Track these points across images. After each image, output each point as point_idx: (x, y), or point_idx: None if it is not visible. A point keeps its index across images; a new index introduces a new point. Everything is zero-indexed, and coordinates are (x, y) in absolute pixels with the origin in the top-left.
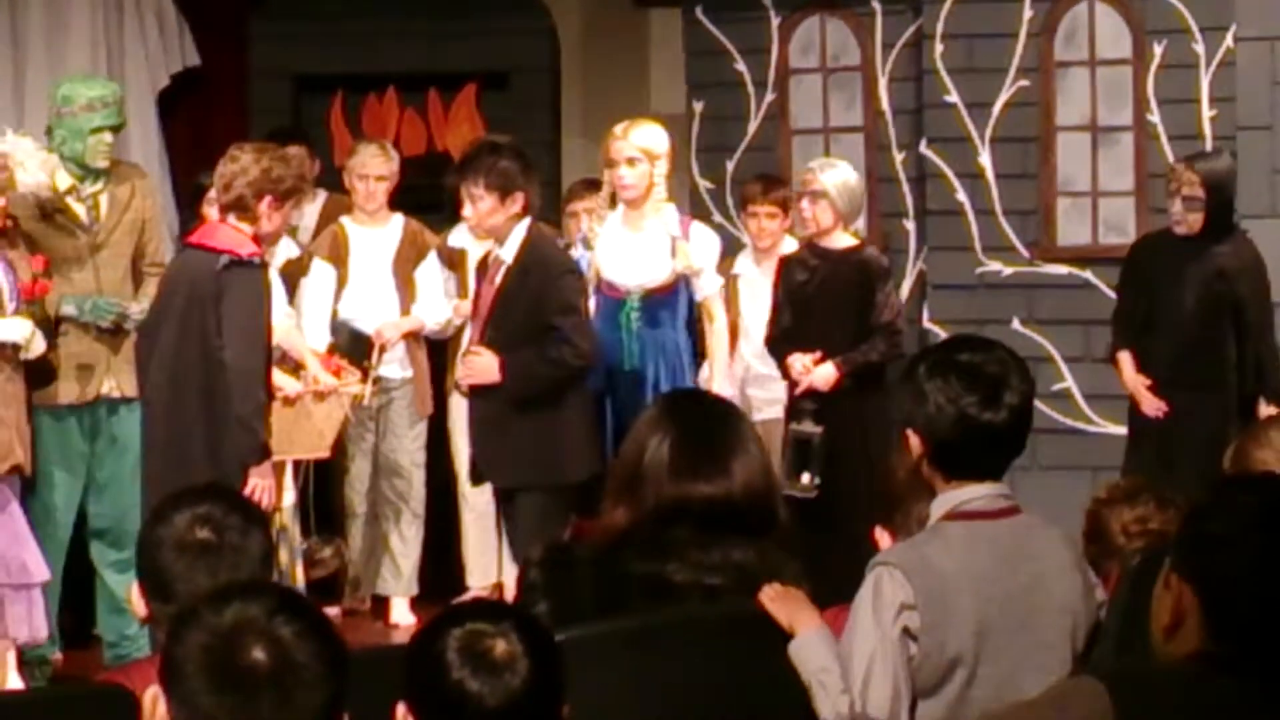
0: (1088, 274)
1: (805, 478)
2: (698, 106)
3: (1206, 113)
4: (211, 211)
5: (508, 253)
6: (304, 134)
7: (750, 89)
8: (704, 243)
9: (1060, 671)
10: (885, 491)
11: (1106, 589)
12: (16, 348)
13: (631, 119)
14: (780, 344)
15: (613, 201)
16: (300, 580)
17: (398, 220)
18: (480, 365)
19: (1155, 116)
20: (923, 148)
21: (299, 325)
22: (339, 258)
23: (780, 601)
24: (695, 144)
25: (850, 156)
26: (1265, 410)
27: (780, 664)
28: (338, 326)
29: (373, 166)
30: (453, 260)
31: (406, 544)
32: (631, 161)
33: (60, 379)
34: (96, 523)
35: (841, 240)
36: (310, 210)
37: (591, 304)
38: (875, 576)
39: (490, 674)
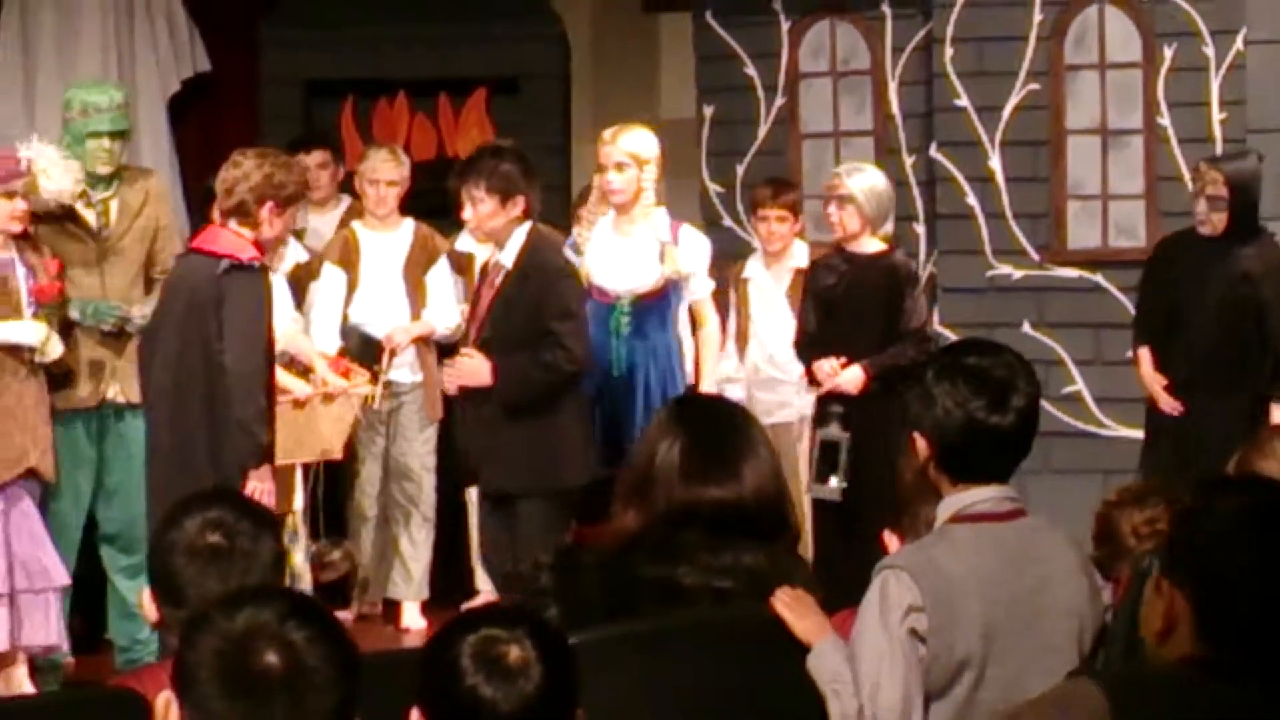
0: (1098, 277)
1: (833, 481)
2: (708, 111)
3: (1217, 115)
4: None
5: (507, 257)
6: (328, 139)
7: (760, 93)
8: (694, 246)
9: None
10: (896, 494)
11: (1117, 591)
12: (33, 350)
13: (621, 124)
14: (807, 348)
15: (602, 206)
16: (308, 584)
17: (408, 225)
18: (470, 367)
19: (1165, 119)
20: (933, 151)
21: (307, 329)
22: (349, 262)
23: (792, 609)
24: (705, 148)
25: (860, 160)
26: (1275, 416)
27: (790, 668)
28: (348, 331)
29: (383, 171)
30: (462, 265)
31: (417, 548)
32: (620, 166)
33: (63, 385)
34: (106, 528)
35: (870, 245)
36: (333, 216)
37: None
38: (882, 579)
39: (504, 680)
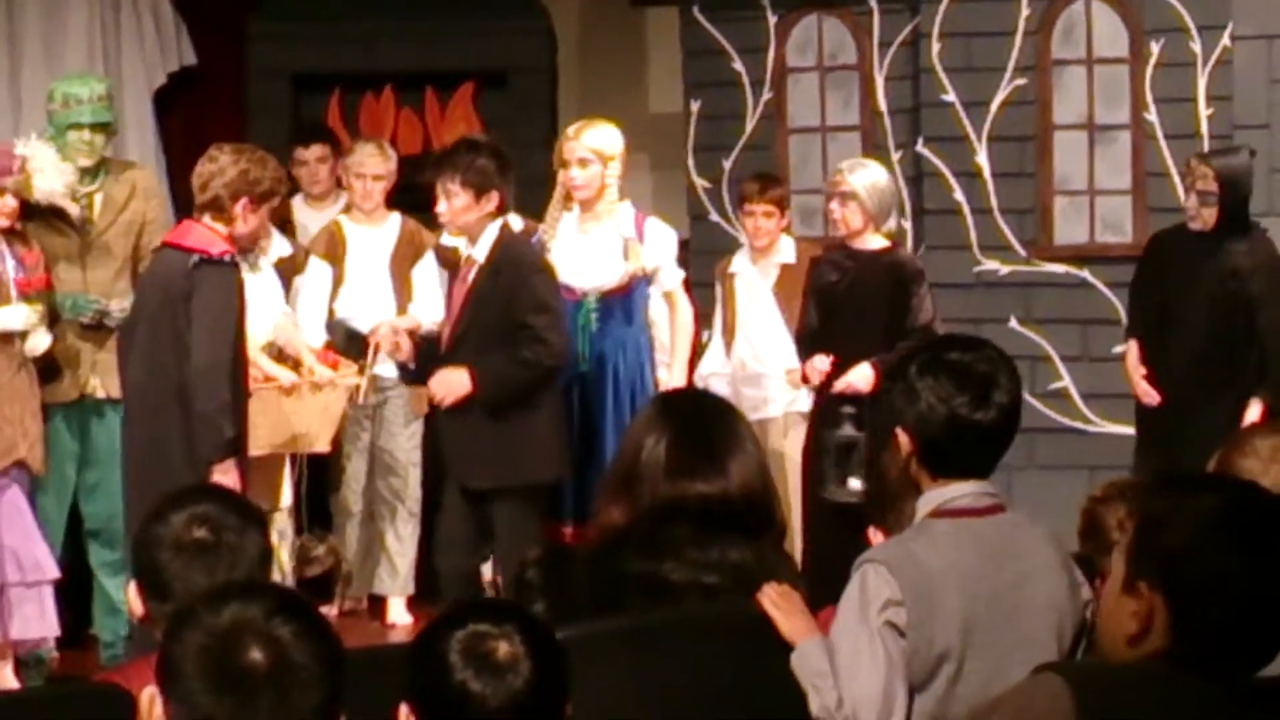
0: (1085, 273)
1: (853, 483)
2: (695, 105)
3: (1204, 111)
4: None
5: (480, 251)
6: (328, 134)
7: (747, 88)
8: (659, 239)
9: None
10: (877, 491)
11: (1101, 588)
12: (22, 338)
13: (586, 119)
14: (807, 345)
15: (567, 203)
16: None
17: (395, 219)
18: (452, 382)
19: (1152, 115)
20: (920, 147)
21: (296, 323)
22: (336, 256)
23: (778, 607)
24: (692, 143)
25: (847, 155)
26: (1251, 412)
27: (776, 664)
28: (333, 325)
29: (370, 165)
30: (448, 259)
31: (403, 543)
32: (583, 162)
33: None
34: (90, 523)
35: (873, 242)
36: (331, 210)
37: None
38: (861, 573)
39: (493, 675)
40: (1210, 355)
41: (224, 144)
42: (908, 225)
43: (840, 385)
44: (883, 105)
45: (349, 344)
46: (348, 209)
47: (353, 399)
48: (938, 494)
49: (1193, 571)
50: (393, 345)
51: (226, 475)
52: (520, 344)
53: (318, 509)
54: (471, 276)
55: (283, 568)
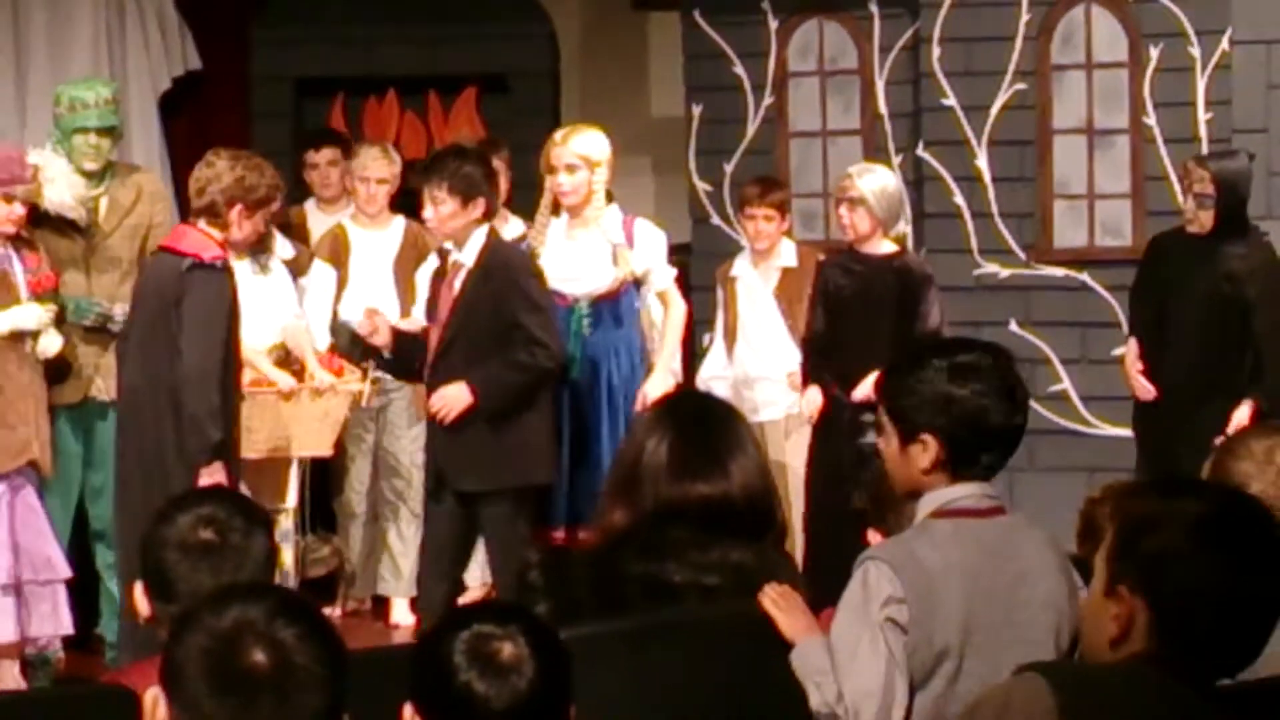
0: (1084, 276)
1: None
2: (696, 109)
3: (1202, 116)
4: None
5: (468, 256)
6: (340, 138)
7: (749, 92)
8: (648, 241)
9: None
10: (877, 493)
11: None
12: (34, 337)
13: (573, 125)
14: (815, 352)
15: (555, 209)
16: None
17: (399, 223)
18: (452, 397)
19: (1151, 119)
20: (920, 150)
21: (308, 327)
22: (340, 259)
23: (779, 607)
24: (694, 146)
25: (848, 159)
26: (1238, 416)
27: (777, 665)
28: (338, 328)
29: (374, 169)
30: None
31: (406, 544)
32: (570, 168)
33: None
34: (96, 525)
35: (881, 246)
36: (343, 214)
37: None
38: (863, 571)
39: (497, 676)
40: (1206, 358)
41: (222, 149)
42: (908, 229)
43: (860, 394)
44: (883, 109)
45: (352, 347)
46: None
47: (356, 402)
48: (940, 495)
49: (1174, 577)
50: (371, 329)
51: (214, 478)
52: (515, 346)
53: (321, 510)
54: (460, 281)
55: (283, 567)
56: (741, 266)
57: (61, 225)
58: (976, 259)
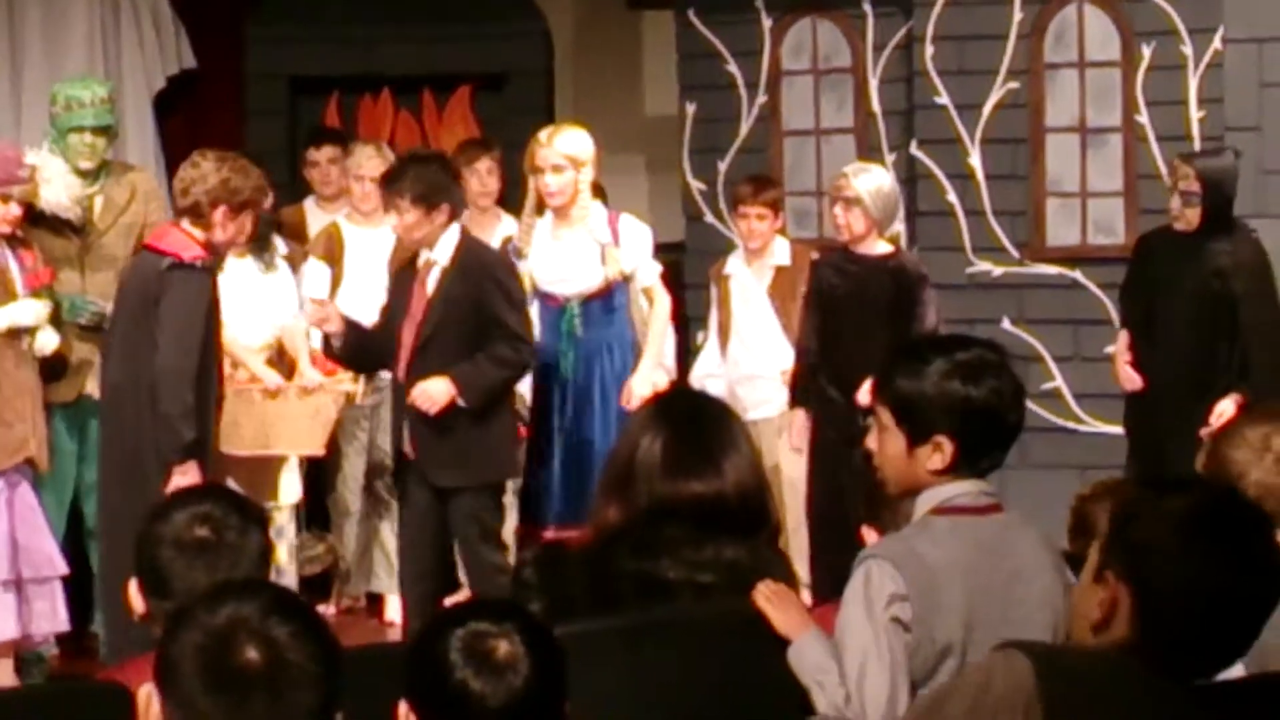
0: (1077, 274)
1: None
2: (690, 108)
3: (1195, 114)
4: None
5: (441, 255)
6: (340, 136)
7: (742, 90)
8: (635, 238)
9: None
10: (872, 491)
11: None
12: (31, 334)
13: (556, 125)
14: (803, 368)
15: (539, 209)
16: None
17: (393, 221)
18: (435, 392)
19: (1144, 118)
20: (913, 149)
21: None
22: (334, 257)
23: (774, 604)
24: (688, 145)
25: (841, 158)
26: (1222, 408)
27: (772, 662)
28: None
29: (368, 167)
30: None
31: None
32: (557, 169)
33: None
34: (90, 522)
35: (876, 247)
36: (343, 213)
37: (532, 312)
38: (865, 569)
39: (492, 674)
40: (1196, 355)
41: (209, 150)
42: (901, 227)
43: (865, 398)
44: (876, 108)
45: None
46: None
47: (350, 400)
48: (938, 492)
49: (1158, 566)
50: (322, 316)
51: (187, 477)
52: (496, 342)
53: (316, 508)
54: (435, 280)
55: (279, 566)
56: (735, 265)
57: (57, 224)
58: (969, 257)
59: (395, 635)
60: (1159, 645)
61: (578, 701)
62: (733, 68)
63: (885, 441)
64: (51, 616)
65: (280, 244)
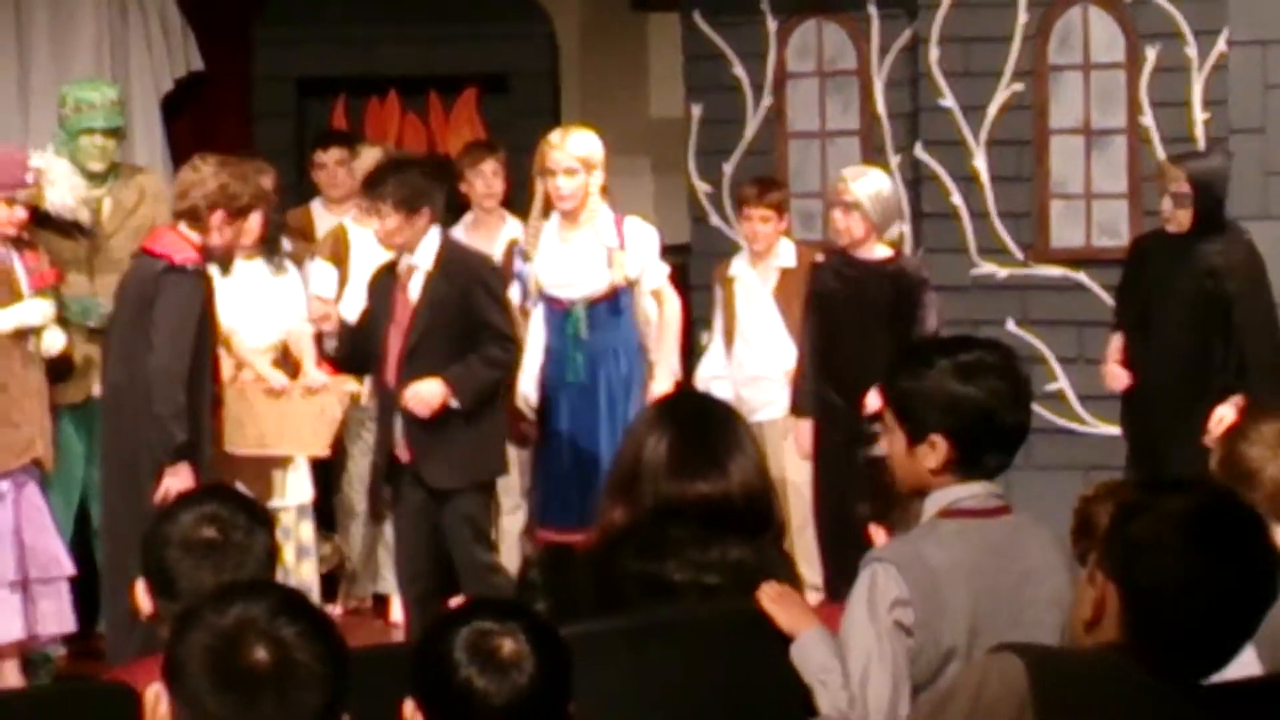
0: (1081, 275)
1: None
2: (695, 110)
3: (1199, 116)
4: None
5: (424, 259)
6: (347, 137)
7: (748, 92)
8: (641, 240)
9: None
10: (883, 491)
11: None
12: (36, 333)
13: (564, 127)
14: (805, 377)
15: (545, 212)
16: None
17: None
18: (427, 394)
19: (1148, 119)
20: (918, 150)
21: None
22: (340, 258)
23: (778, 602)
24: (693, 147)
25: (847, 160)
26: (1220, 414)
27: (777, 662)
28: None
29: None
30: None
31: None
32: (570, 171)
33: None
34: (97, 522)
35: (876, 251)
36: (352, 215)
37: (538, 315)
38: (870, 573)
39: (497, 673)
40: (1192, 355)
41: (210, 155)
42: (906, 229)
43: (872, 406)
44: (881, 110)
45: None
46: None
47: (355, 401)
48: (946, 494)
49: (1147, 566)
50: (321, 315)
51: (178, 478)
52: (486, 344)
53: (322, 509)
54: (420, 285)
55: (287, 566)
56: (740, 267)
57: (65, 227)
58: (974, 259)
59: (401, 636)
60: (1146, 644)
61: (582, 702)
62: (738, 70)
63: (891, 441)
64: (58, 617)
65: (285, 242)
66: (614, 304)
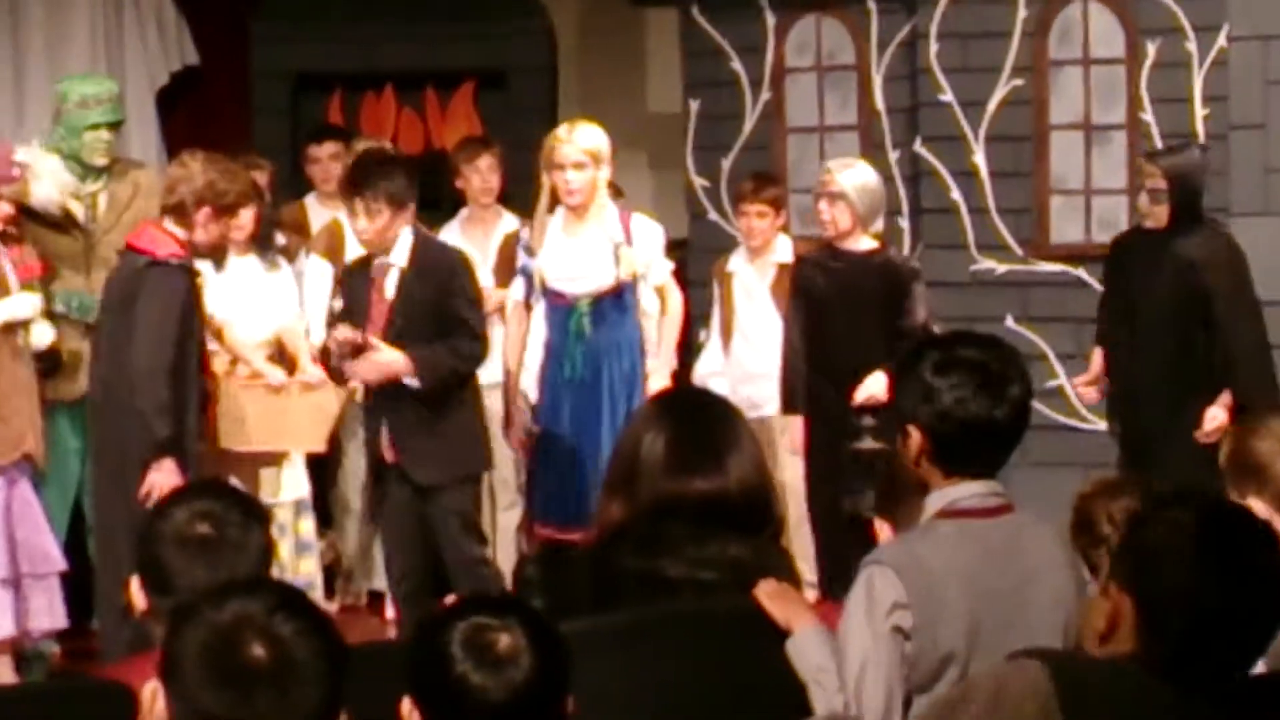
0: (1081, 272)
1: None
2: (694, 105)
3: (1199, 111)
4: None
5: (398, 257)
6: (341, 132)
7: (746, 88)
8: (647, 237)
9: None
10: (892, 484)
11: (1099, 581)
12: (25, 327)
13: (571, 121)
14: (790, 372)
15: (552, 206)
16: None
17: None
18: (389, 360)
19: (1148, 115)
20: (917, 146)
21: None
22: (336, 254)
23: (776, 599)
24: (691, 142)
25: (845, 155)
26: (1213, 415)
27: (774, 660)
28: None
29: None
30: None
31: None
32: (579, 165)
33: (50, 376)
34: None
35: (862, 243)
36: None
37: (540, 310)
38: (867, 575)
39: (494, 668)
40: (1175, 350)
41: (199, 151)
42: (905, 224)
43: (861, 397)
44: (880, 105)
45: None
46: None
47: (351, 397)
48: (944, 494)
49: (1159, 579)
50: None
51: (161, 473)
52: (457, 336)
53: (317, 505)
54: (394, 283)
55: (281, 562)
56: (737, 263)
57: (61, 223)
58: (973, 254)
59: (396, 633)
60: (1161, 655)
61: (579, 699)
62: (736, 65)
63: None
64: (50, 613)
65: (278, 236)
66: (619, 301)
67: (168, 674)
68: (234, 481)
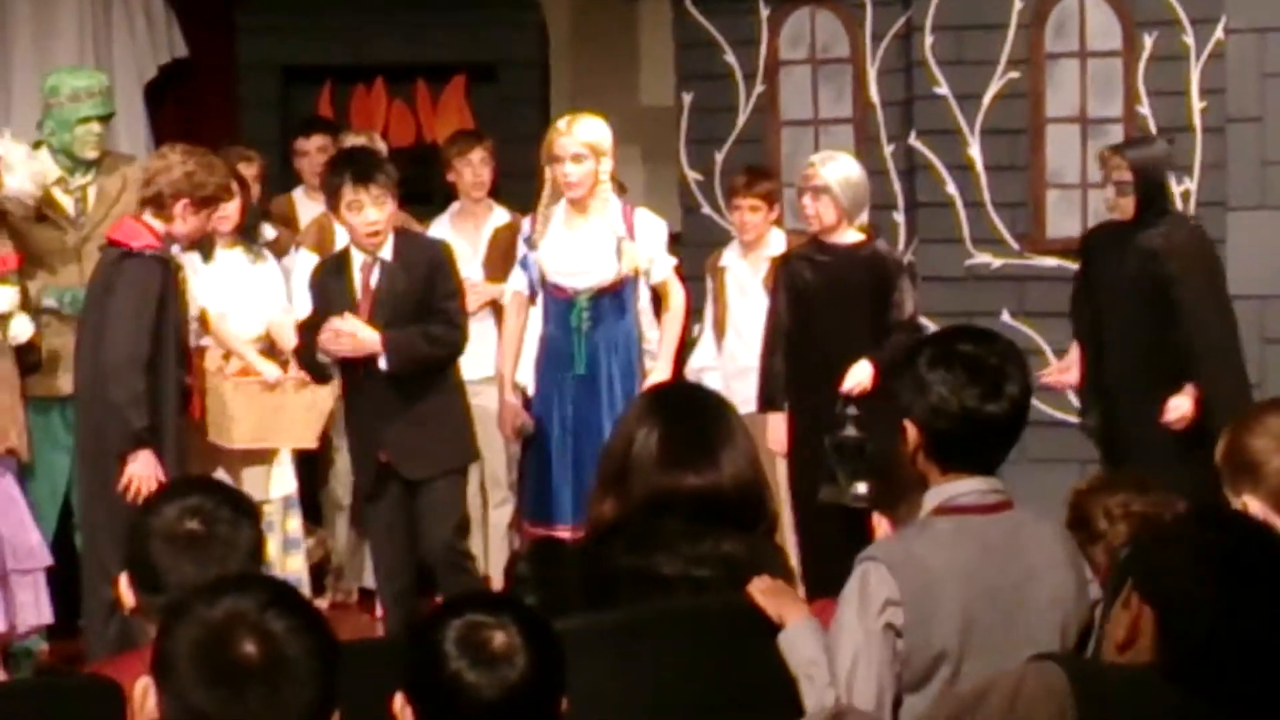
0: (1077, 266)
1: (861, 488)
2: (687, 98)
3: (1196, 104)
4: None
5: (384, 250)
6: (329, 125)
7: (740, 80)
8: (650, 232)
9: None
10: (892, 479)
11: (1097, 578)
12: (4, 321)
13: (573, 113)
14: (779, 347)
15: (554, 198)
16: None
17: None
18: (361, 336)
19: (1145, 108)
20: (912, 139)
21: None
22: (325, 248)
23: (769, 594)
24: (685, 135)
25: (840, 148)
26: (1175, 405)
27: (768, 656)
28: None
29: None
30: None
31: None
32: (578, 158)
33: (43, 372)
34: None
35: (848, 236)
36: None
37: (540, 303)
38: (862, 571)
39: (488, 666)
40: (1145, 340)
41: (178, 144)
42: (900, 218)
43: (848, 386)
44: (875, 98)
45: None
46: None
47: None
48: (944, 490)
49: (1180, 594)
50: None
51: (138, 465)
52: (434, 323)
53: (307, 502)
54: (377, 275)
55: (270, 559)
56: (730, 257)
57: (51, 215)
58: (969, 248)
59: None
60: (1179, 666)
61: (572, 697)
62: (730, 57)
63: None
64: (36, 608)
65: (267, 229)
66: (619, 296)
67: (160, 671)
68: (225, 477)
